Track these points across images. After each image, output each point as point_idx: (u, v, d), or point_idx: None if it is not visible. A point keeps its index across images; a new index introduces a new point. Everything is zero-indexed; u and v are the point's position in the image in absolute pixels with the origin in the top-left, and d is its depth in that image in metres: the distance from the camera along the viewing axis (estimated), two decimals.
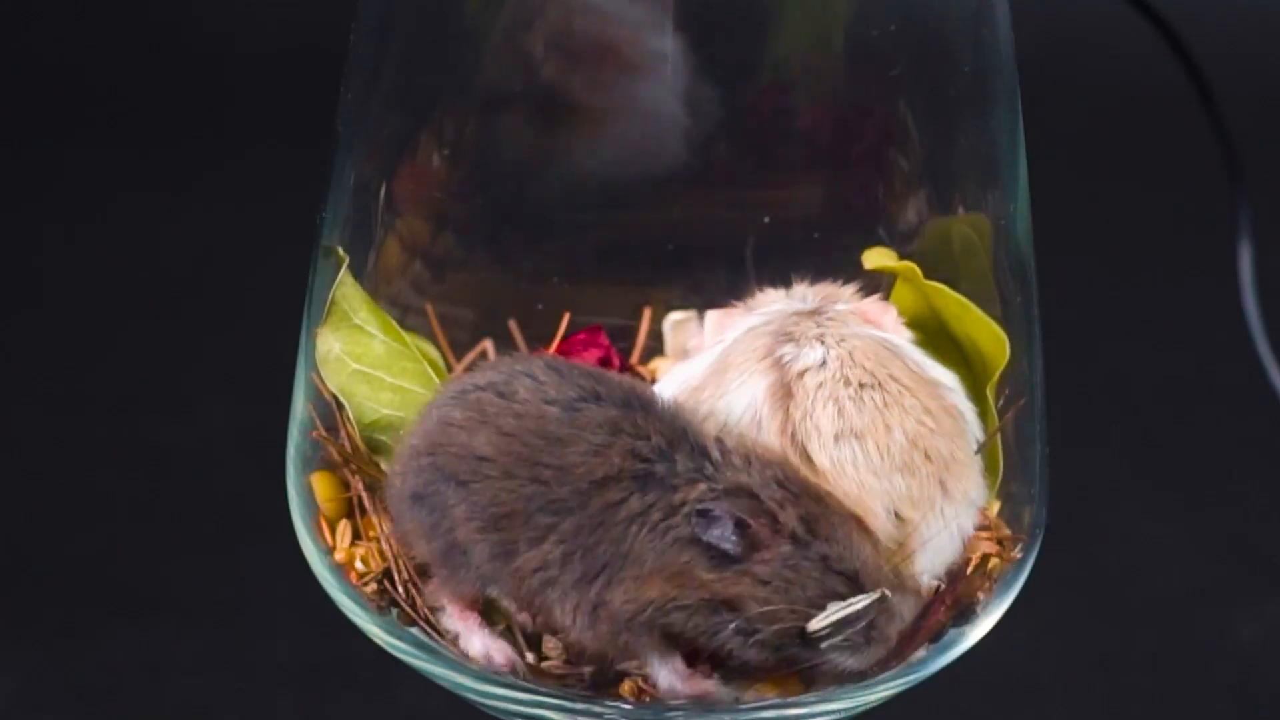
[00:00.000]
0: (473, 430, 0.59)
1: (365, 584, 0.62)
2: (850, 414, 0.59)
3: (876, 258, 0.65)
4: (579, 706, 0.59)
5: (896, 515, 0.60)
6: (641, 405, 0.59)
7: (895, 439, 0.60)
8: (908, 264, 0.64)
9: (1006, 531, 0.64)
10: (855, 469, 0.59)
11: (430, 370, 0.64)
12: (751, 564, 0.57)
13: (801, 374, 0.60)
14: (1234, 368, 0.98)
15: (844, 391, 0.60)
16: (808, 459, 0.59)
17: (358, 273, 0.65)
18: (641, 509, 0.57)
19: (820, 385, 0.60)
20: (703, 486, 0.57)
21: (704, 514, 0.57)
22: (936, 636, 0.62)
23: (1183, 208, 1.39)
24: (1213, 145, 0.86)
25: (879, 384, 0.60)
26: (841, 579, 0.57)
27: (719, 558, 0.57)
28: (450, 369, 0.68)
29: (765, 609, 0.57)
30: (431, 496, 0.59)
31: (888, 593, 0.57)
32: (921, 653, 0.61)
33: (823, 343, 0.61)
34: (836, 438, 0.59)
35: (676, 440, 0.58)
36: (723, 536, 0.57)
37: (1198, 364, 1.22)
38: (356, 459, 0.63)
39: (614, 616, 0.57)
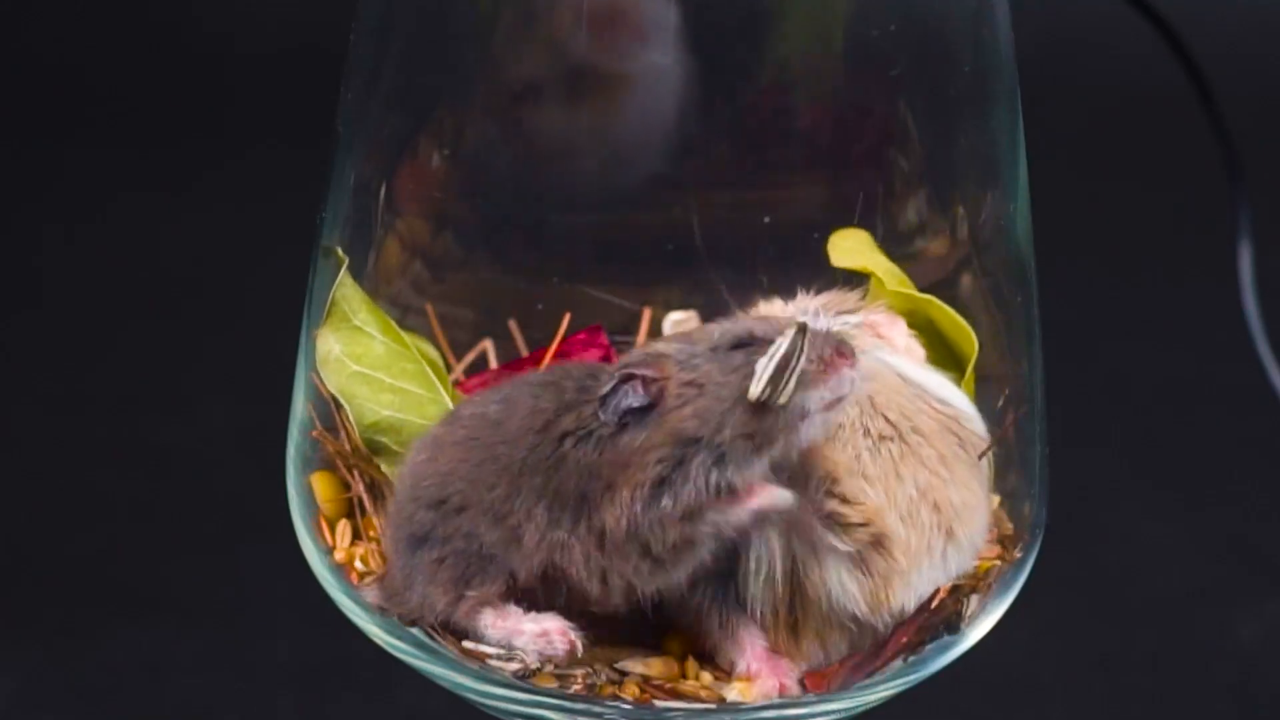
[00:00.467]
0: (435, 455, 0.60)
1: (365, 584, 0.62)
2: (865, 462, 0.59)
3: (844, 242, 0.65)
4: (579, 706, 0.59)
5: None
6: (565, 369, 0.61)
7: (905, 490, 0.59)
8: (865, 266, 0.64)
9: (1009, 527, 0.64)
10: None
11: (430, 371, 0.64)
12: (663, 402, 0.57)
13: None
14: (1234, 368, 0.98)
15: (862, 442, 0.60)
16: None
17: (358, 273, 0.65)
18: (576, 434, 0.58)
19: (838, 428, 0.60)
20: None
21: (602, 399, 0.58)
22: (911, 652, 0.61)
23: (1183, 208, 1.39)
24: (1213, 145, 0.86)
25: (899, 436, 0.60)
26: (748, 349, 0.57)
27: (640, 419, 0.57)
28: (450, 369, 0.68)
29: (704, 420, 0.57)
30: (431, 531, 0.59)
31: (803, 321, 0.57)
32: (922, 653, 0.61)
33: None
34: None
35: (595, 376, 0.59)
36: (625, 400, 0.57)
37: (1198, 364, 1.22)
38: (356, 459, 0.63)
39: (617, 544, 0.57)
